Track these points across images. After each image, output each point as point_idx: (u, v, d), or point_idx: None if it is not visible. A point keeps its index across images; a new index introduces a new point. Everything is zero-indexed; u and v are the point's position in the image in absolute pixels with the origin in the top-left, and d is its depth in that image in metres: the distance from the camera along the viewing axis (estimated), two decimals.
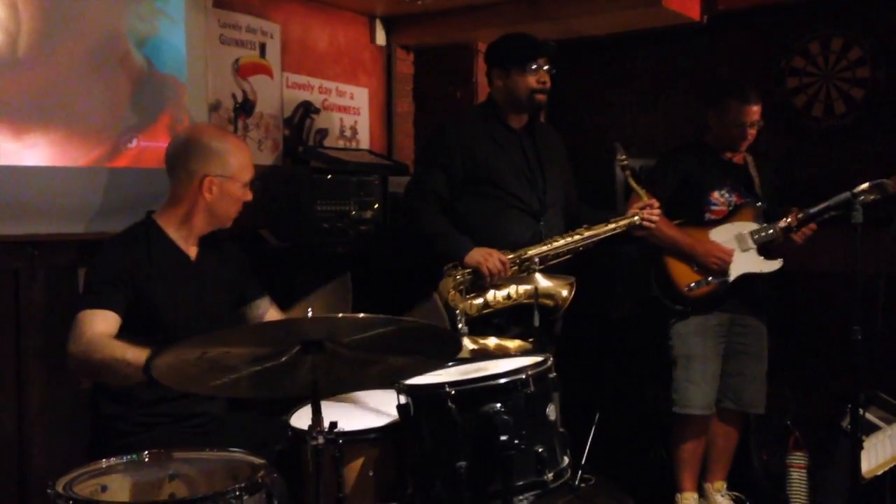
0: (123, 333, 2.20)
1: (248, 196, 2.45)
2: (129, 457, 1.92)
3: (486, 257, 2.93)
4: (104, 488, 1.84)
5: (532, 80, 3.09)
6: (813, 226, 3.30)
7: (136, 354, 2.05)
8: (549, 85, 3.12)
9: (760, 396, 3.48)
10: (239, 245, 2.64)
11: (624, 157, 3.10)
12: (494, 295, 2.97)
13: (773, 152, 3.64)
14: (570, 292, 2.94)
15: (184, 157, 2.37)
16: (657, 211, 3.11)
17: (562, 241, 3.03)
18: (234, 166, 2.39)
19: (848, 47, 4.03)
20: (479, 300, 2.97)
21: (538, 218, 3.14)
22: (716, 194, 3.41)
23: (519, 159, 3.15)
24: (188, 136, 2.44)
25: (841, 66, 4.06)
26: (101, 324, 2.18)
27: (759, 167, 3.47)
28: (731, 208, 3.40)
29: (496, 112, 3.19)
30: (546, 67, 3.10)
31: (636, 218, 3.08)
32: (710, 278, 3.33)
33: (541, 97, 3.12)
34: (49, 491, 1.71)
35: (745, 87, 3.42)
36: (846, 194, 2.99)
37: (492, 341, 2.71)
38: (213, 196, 2.37)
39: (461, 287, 2.95)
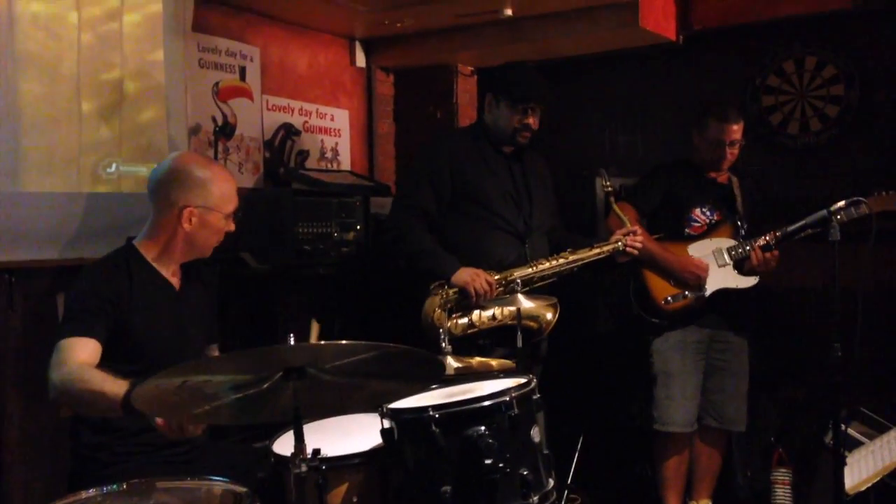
0: (104, 361, 2.17)
1: (231, 227, 2.42)
2: (109, 487, 1.88)
3: (474, 277, 2.93)
4: None
5: (517, 120, 3.11)
6: (776, 252, 3.32)
7: (113, 389, 2.02)
8: (535, 126, 3.14)
9: (741, 414, 3.49)
10: (219, 272, 2.61)
11: (608, 183, 3.12)
12: (480, 315, 2.98)
13: (749, 169, 3.68)
14: (553, 315, 2.96)
15: (165, 186, 2.34)
16: (640, 238, 3.14)
17: (547, 265, 3.04)
18: (216, 197, 2.35)
19: (822, 66, 4.09)
20: (465, 320, 2.97)
21: (523, 240, 3.15)
22: (697, 211, 3.44)
23: (506, 181, 3.16)
24: (171, 164, 2.38)
25: (815, 85, 4.11)
26: (83, 352, 2.15)
27: (742, 189, 3.50)
28: (710, 223, 3.43)
29: (486, 133, 3.20)
30: (535, 112, 3.11)
31: (620, 244, 3.11)
32: (686, 292, 3.35)
33: (522, 138, 3.14)
34: None
35: (724, 106, 3.45)
36: (823, 212, 3.01)
37: (476, 360, 2.71)
38: (193, 227, 2.34)
39: (448, 306, 2.95)
